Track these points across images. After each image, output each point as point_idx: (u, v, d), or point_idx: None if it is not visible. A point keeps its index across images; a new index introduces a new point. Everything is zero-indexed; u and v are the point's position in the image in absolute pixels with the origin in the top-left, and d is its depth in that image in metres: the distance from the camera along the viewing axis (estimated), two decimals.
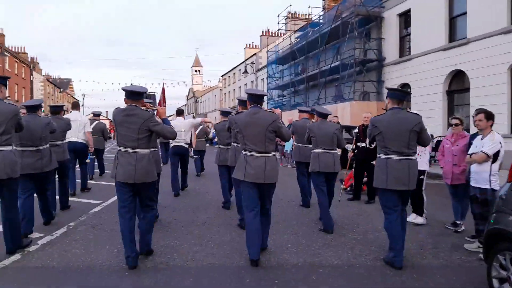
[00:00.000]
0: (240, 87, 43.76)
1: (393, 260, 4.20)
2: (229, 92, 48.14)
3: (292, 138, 7.36)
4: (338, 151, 6.54)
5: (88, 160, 9.16)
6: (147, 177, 4.18)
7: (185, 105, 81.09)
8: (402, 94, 4.47)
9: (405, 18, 17.48)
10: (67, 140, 7.02)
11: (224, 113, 7.22)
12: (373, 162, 6.44)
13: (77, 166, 8.54)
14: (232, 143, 6.08)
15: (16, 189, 4.50)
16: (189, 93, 78.08)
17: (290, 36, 26.54)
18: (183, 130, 8.39)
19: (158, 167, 5.61)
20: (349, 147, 11.00)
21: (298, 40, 26.47)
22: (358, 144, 8.15)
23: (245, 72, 37.56)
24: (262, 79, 35.86)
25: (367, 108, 16.87)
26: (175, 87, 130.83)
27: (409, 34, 17.07)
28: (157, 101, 20.51)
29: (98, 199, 7.78)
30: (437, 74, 15.21)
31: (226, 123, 6.11)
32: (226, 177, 6.95)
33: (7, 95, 4.56)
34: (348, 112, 17.77)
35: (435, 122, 14.91)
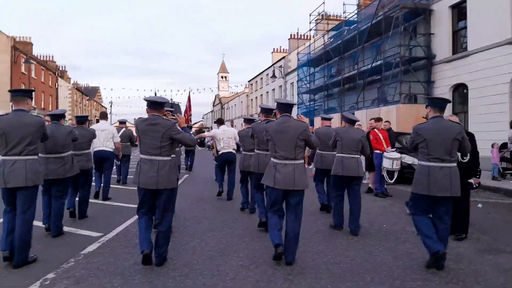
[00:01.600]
0: (267, 92, 42.13)
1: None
2: (256, 97, 46.60)
3: None
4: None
5: (114, 168, 9.36)
6: (168, 183, 4.31)
7: (212, 111, 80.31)
8: (443, 102, 4.54)
9: (458, 10, 15.42)
10: (95, 149, 7.82)
11: (248, 121, 7.49)
12: (471, 181, 5.46)
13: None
14: (256, 150, 6.22)
15: (36, 196, 4.59)
16: (215, 99, 77.18)
17: (323, 36, 24.69)
18: (231, 137, 8.60)
19: (177, 173, 5.45)
20: (406, 159, 9.23)
21: (331, 40, 24.64)
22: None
23: (273, 76, 35.98)
24: (292, 83, 34.10)
25: (416, 112, 14.91)
26: (200, 92, 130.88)
27: (464, 28, 15.01)
28: (183, 109, 20.26)
29: (99, 228, 5.99)
30: (500, 72, 13.09)
31: (250, 130, 6.43)
32: (246, 181, 7.23)
33: (33, 105, 5.25)
34: (394, 116, 15.77)
35: (498, 128, 12.80)
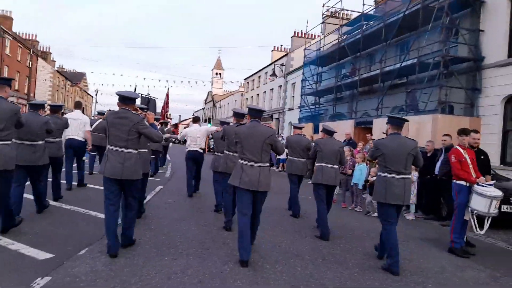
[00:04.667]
0: (264, 92, 38.90)
1: (391, 267, 4.75)
2: (252, 97, 43.30)
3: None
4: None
5: (85, 158, 9.37)
6: (133, 175, 4.58)
7: (203, 109, 76.79)
8: (401, 121, 5.12)
9: None
10: (67, 137, 8.27)
11: (222, 123, 7.97)
12: None
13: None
14: (225, 151, 6.69)
15: (10, 180, 4.90)
16: (207, 96, 73.70)
17: (338, 29, 21.43)
18: (199, 136, 9.01)
19: (146, 168, 5.99)
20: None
21: (345, 37, 21.49)
22: None
23: (273, 74, 32.69)
24: (293, 83, 30.90)
25: (456, 125, 11.90)
26: (192, 86, 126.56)
27: None
28: (160, 105, 20.99)
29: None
30: None
31: (221, 133, 7.04)
32: (220, 182, 7.15)
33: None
34: (428, 128, 12.68)
35: None
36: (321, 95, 23.80)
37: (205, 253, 4.98)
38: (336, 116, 21.17)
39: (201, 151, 9.09)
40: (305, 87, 24.39)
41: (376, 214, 8.06)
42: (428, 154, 8.82)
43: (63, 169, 7.77)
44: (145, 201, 7.61)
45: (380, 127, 14.89)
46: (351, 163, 9.39)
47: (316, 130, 21.67)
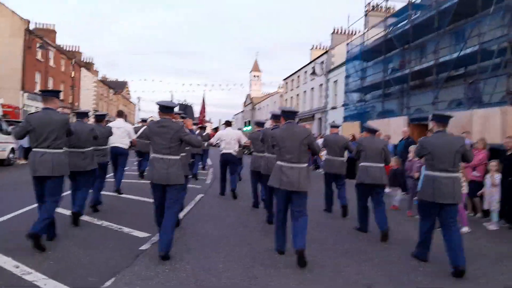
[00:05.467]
0: (305, 91, 37.78)
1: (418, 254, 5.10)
2: (291, 97, 42.28)
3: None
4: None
5: (127, 168, 10.00)
6: (177, 179, 4.82)
7: (242, 111, 76.51)
8: (446, 118, 4.99)
9: None
10: (111, 145, 8.53)
11: (258, 124, 8.33)
12: None
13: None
14: (265, 153, 6.84)
15: (62, 186, 5.15)
16: (246, 99, 73.33)
17: (384, 20, 20.01)
18: (233, 139, 9.27)
19: (186, 171, 6.03)
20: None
21: (392, 29, 20.05)
22: None
23: (313, 73, 31.63)
24: (335, 81, 29.63)
25: None
26: (230, 89, 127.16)
27: None
28: (197, 110, 21.13)
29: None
30: None
31: (261, 134, 7.03)
32: (257, 181, 7.81)
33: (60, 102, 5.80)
34: (496, 123, 11.21)
35: None
36: (367, 91, 22.41)
37: (254, 282, 4.12)
38: (385, 113, 19.77)
39: (235, 153, 9.36)
40: (349, 83, 23.11)
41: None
42: (509, 153, 7.52)
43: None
44: (184, 213, 6.94)
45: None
46: (418, 165, 8.17)
47: (363, 129, 20.40)
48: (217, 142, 9.61)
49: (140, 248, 5.02)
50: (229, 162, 9.29)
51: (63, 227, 5.66)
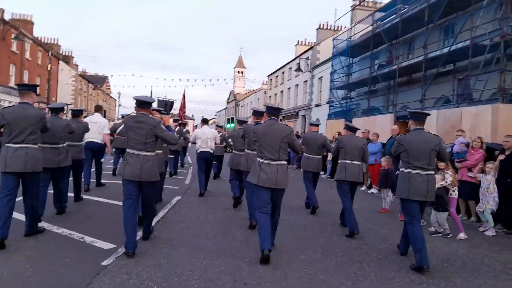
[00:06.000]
0: (289, 88, 37.22)
1: (421, 262, 4.60)
2: (275, 94, 41.70)
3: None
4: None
5: (103, 160, 9.71)
6: (150, 176, 4.74)
7: (225, 109, 75.58)
8: (423, 115, 5.13)
9: None
10: (87, 139, 8.46)
11: (240, 122, 8.13)
12: None
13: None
14: (246, 150, 6.78)
15: (38, 181, 5.14)
16: (229, 96, 72.46)
17: (372, 15, 19.47)
18: (209, 137, 9.31)
19: (161, 168, 6.16)
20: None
21: (379, 23, 19.60)
22: None
23: (298, 69, 31.04)
24: (320, 77, 29.13)
25: None
26: (214, 85, 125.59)
27: None
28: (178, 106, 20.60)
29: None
30: None
31: (241, 131, 7.15)
32: (237, 178, 7.73)
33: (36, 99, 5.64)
34: (487, 120, 10.81)
35: None
36: (353, 88, 21.98)
37: None
38: (371, 111, 19.33)
39: (212, 151, 9.43)
40: (334, 80, 22.62)
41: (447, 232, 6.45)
42: (507, 152, 7.02)
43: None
44: (157, 219, 6.26)
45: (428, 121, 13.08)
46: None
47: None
48: (194, 140, 9.69)
49: (102, 264, 4.31)
50: (205, 160, 9.34)
51: (16, 236, 4.91)
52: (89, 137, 8.51)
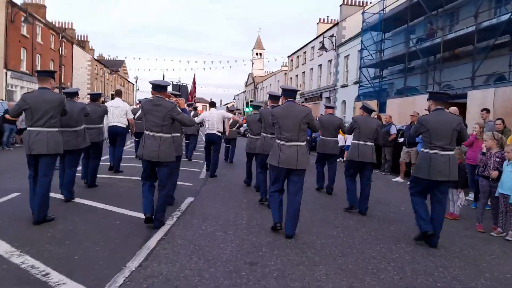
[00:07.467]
0: (311, 68, 35.21)
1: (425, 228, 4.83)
2: (297, 75, 39.72)
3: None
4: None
5: (127, 144, 10.64)
6: (167, 157, 4.99)
7: (244, 92, 73.71)
8: (444, 96, 5.20)
9: None
10: (109, 124, 8.81)
11: (255, 107, 8.42)
12: None
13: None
14: (262, 133, 6.84)
15: (54, 164, 5.30)
16: (248, 78, 70.53)
17: None
18: (216, 119, 9.49)
19: (179, 151, 6.13)
20: None
21: None
22: None
23: (322, 47, 28.94)
24: (346, 56, 27.08)
25: None
26: (232, 67, 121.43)
27: None
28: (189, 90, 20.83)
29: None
30: None
31: (257, 116, 7.14)
32: (251, 162, 8.24)
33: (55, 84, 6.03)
34: None
35: None
36: (385, 66, 19.95)
37: None
38: (407, 91, 17.37)
39: (219, 134, 9.64)
40: (364, 58, 20.63)
41: None
42: None
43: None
44: (160, 234, 4.78)
45: (477, 102, 11.19)
46: (497, 159, 5.87)
47: (381, 109, 18.02)
48: (200, 121, 9.95)
49: None
50: (212, 142, 9.65)
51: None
52: (111, 121, 8.81)
